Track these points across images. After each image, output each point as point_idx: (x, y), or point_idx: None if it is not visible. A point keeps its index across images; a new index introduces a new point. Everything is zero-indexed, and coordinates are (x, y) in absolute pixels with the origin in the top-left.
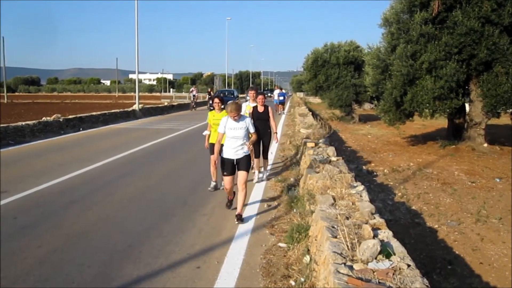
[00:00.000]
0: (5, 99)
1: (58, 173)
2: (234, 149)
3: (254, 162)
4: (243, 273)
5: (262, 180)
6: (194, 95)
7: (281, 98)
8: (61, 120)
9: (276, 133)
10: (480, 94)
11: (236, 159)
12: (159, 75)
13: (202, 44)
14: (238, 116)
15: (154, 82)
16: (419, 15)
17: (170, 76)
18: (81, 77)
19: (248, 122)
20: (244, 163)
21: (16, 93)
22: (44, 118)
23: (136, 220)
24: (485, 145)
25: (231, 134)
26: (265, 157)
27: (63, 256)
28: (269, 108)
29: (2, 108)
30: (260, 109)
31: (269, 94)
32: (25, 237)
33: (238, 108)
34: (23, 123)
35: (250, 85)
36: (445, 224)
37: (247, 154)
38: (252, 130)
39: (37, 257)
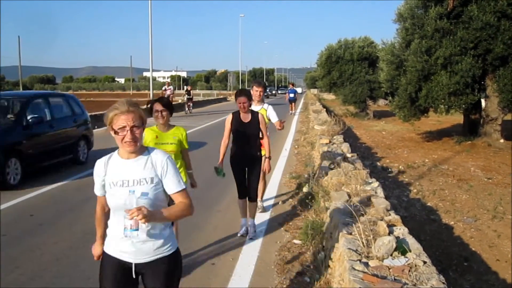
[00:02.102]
0: None
1: (74, 170)
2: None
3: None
4: (258, 270)
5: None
6: (168, 96)
7: (291, 95)
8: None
9: (270, 157)
10: (496, 89)
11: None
12: (173, 73)
13: (216, 41)
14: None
15: (169, 80)
16: (434, 10)
17: (184, 74)
18: (95, 75)
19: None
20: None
21: None
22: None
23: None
24: (502, 140)
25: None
26: (252, 198)
27: (79, 253)
28: (259, 117)
29: None
30: (244, 117)
31: (274, 92)
32: (42, 233)
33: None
34: None
35: (258, 80)
36: (461, 221)
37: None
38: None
39: (53, 254)
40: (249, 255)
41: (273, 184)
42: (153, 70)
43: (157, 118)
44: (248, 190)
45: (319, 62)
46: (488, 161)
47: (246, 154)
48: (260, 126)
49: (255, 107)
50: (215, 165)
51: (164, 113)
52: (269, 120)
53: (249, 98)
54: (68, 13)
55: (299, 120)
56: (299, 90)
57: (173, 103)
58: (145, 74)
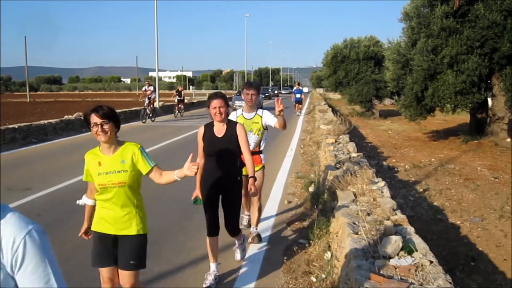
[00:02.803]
0: (28, 98)
1: (81, 171)
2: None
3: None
4: (264, 270)
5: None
6: (149, 98)
7: (298, 95)
8: (82, 118)
9: (253, 177)
10: (503, 88)
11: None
12: (179, 73)
13: (221, 41)
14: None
15: (174, 80)
16: (440, 9)
17: (189, 74)
18: (102, 76)
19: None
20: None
21: (39, 92)
22: (66, 117)
23: (157, 217)
24: (508, 140)
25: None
26: (234, 232)
27: (87, 253)
28: (238, 129)
29: (25, 107)
30: (219, 130)
31: (277, 92)
32: (49, 233)
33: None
34: (46, 121)
35: (248, 82)
36: (468, 220)
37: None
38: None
39: (61, 254)
40: (255, 254)
41: (279, 184)
42: (159, 70)
43: (97, 135)
44: (226, 224)
45: (324, 61)
46: (495, 161)
47: (220, 178)
48: (239, 140)
49: (248, 114)
50: (194, 198)
51: (106, 127)
52: (266, 129)
53: (226, 102)
54: (73, 13)
55: (305, 119)
56: (305, 89)
57: (154, 105)
58: (151, 74)
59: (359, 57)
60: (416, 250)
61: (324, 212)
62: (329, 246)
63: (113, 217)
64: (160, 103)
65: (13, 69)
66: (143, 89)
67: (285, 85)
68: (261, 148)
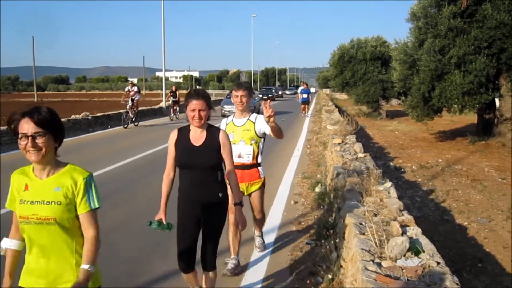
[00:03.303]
0: (35, 97)
1: (88, 170)
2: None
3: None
4: (270, 270)
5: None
6: (132, 100)
7: (305, 96)
8: (89, 118)
9: (239, 204)
10: (510, 89)
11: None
12: (186, 73)
13: (228, 41)
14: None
15: (181, 80)
16: (448, 9)
17: (196, 74)
18: (108, 75)
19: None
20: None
21: (46, 92)
22: (73, 116)
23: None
24: None
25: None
26: (209, 266)
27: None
28: (221, 138)
29: (32, 106)
30: (196, 137)
31: (281, 93)
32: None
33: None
34: None
35: (237, 82)
36: (475, 221)
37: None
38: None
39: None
40: (261, 254)
41: (286, 184)
42: (165, 70)
43: (26, 152)
44: (202, 254)
45: (331, 61)
46: (503, 161)
47: (198, 197)
48: (222, 151)
49: (238, 120)
50: (157, 219)
51: (40, 141)
52: (262, 137)
53: (208, 104)
54: (80, 13)
55: (312, 120)
56: (313, 90)
57: (137, 109)
58: (157, 74)
59: (366, 57)
60: (423, 251)
61: (331, 213)
62: (336, 247)
63: (43, 269)
64: (167, 103)
65: (20, 69)
66: (126, 89)
67: (292, 85)
68: (259, 161)
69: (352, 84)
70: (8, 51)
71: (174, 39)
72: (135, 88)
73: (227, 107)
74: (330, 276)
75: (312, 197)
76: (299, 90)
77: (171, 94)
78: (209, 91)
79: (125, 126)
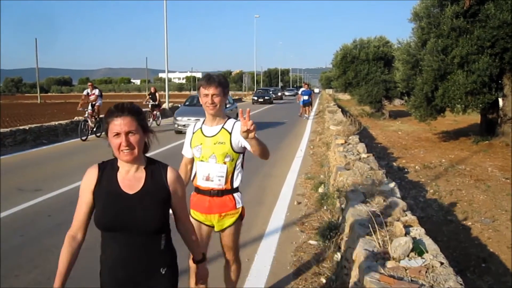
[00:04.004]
0: (39, 99)
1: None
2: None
3: None
4: (273, 271)
5: None
6: (93, 105)
7: (306, 97)
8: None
9: (202, 260)
10: None
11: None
12: (188, 74)
13: (231, 42)
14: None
15: (184, 81)
16: (450, 9)
17: (199, 75)
18: (111, 77)
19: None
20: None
21: (49, 94)
22: (76, 118)
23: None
24: None
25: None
26: None
27: (97, 254)
28: (170, 177)
29: (36, 108)
30: (129, 180)
31: (280, 94)
32: (59, 234)
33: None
34: (56, 122)
35: (207, 75)
36: (478, 221)
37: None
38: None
39: None
40: (264, 255)
41: (289, 185)
42: (168, 71)
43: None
44: None
45: (334, 62)
46: (506, 161)
47: (129, 277)
48: (174, 201)
49: (209, 128)
50: None
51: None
52: (240, 152)
53: (140, 123)
54: (83, 14)
55: (314, 120)
56: (316, 90)
57: (98, 116)
58: (160, 75)
59: (369, 58)
60: (427, 251)
61: (334, 213)
62: (339, 247)
63: None
64: (170, 104)
65: (24, 71)
66: (85, 92)
67: (295, 85)
68: (235, 185)
69: (355, 84)
70: (11, 53)
71: (177, 40)
72: (96, 91)
73: (182, 119)
74: (333, 277)
75: (315, 197)
76: (299, 91)
77: (150, 96)
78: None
79: (84, 138)
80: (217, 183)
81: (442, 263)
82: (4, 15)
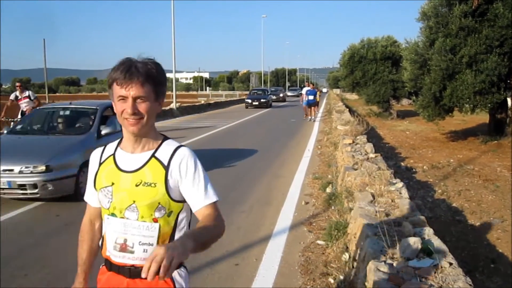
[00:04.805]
0: (47, 99)
1: None
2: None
3: None
4: (281, 271)
5: None
6: (23, 112)
7: (311, 97)
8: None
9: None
10: None
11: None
12: (196, 74)
13: (238, 42)
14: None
15: (191, 81)
16: (459, 8)
17: (206, 75)
18: None
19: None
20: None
21: (57, 94)
22: None
23: None
24: None
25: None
26: None
27: None
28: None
29: None
30: None
31: (282, 95)
32: (67, 234)
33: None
34: None
35: (123, 64)
36: (487, 222)
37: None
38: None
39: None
40: (272, 255)
41: (296, 185)
42: (175, 71)
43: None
44: None
45: (341, 61)
46: None
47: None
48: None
49: (128, 156)
50: None
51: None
52: (180, 201)
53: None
54: (90, 15)
55: (322, 120)
56: (324, 90)
57: (16, 118)
58: (168, 75)
59: (376, 57)
60: (436, 252)
61: (342, 213)
62: (347, 247)
63: None
64: (177, 104)
65: (32, 71)
66: (12, 97)
67: (302, 85)
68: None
69: (363, 84)
70: (19, 53)
71: (184, 40)
72: (27, 93)
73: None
74: (341, 277)
75: (323, 197)
76: (303, 91)
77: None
78: (219, 92)
79: None
80: (141, 256)
81: (451, 264)
82: (11, 16)
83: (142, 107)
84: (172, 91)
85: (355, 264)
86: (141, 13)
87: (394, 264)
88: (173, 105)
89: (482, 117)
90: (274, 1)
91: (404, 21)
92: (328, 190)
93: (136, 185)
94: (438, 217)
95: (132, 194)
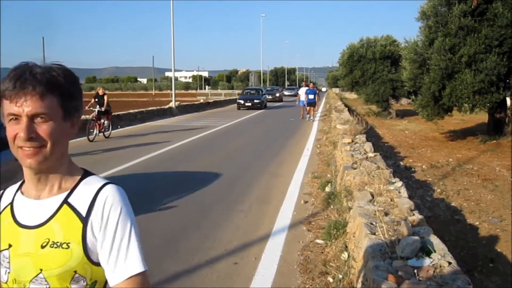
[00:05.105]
0: None
1: (97, 171)
2: None
3: None
4: (280, 270)
5: None
6: None
7: (311, 97)
8: None
9: None
10: None
11: None
12: (195, 73)
13: (237, 41)
14: None
15: (190, 80)
16: (458, 8)
17: (205, 74)
18: (118, 76)
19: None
20: None
21: None
22: (82, 116)
23: (174, 216)
24: None
25: None
26: None
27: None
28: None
29: None
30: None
31: (279, 94)
32: None
33: None
34: None
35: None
36: (486, 221)
37: None
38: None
39: None
40: (271, 254)
41: (296, 184)
42: (175, 70)
43: None
44: None
45: (341, 61)
46: None
47: None
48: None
49: (30, 204)
50: None
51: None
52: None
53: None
54: (89, 14)
55: (321, 119)
56: (323, 89)
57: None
58: (167, 74)
59: (376, 57)
60: (434, 251)
61: (341, 212)
62: (346, 247)
63: None
64: (176, 103)
65: None
66: None
67: (301, 84)
68: None
69: (362, 83)
70: (17, 51)
71: (184, 39)
72: None
73: None
74: (340, 276)
75: (322, 196)
76: (300, 91)
77: (96, 100)
78: (218, 91)
79: None
80: None
81: (450, 263)
82: (10, 14)
83: (43, 129)
84: (171, 89)
85: (354, 263)
86: (141, 12)
87: (393, 263)
88: (172, 104)
89: (481, 116)
90: (273, 0)
91: (404, 21)
92: (327, 189)
93: (42, 247)
94: (437, 216)
95: (37, 260)
